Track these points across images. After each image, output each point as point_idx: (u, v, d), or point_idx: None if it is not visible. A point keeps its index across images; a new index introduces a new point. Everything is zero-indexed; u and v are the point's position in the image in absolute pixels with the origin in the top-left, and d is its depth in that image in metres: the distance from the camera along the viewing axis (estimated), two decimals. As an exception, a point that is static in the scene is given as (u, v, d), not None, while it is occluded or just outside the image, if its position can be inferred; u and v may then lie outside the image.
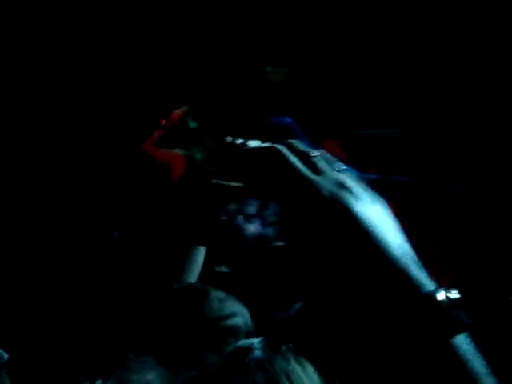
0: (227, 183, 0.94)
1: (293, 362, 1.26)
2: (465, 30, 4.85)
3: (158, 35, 5.23)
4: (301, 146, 0.94)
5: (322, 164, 0.90)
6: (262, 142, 1.98)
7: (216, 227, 0.94)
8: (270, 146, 0.92)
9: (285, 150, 0.93)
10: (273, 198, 0.88)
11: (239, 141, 1.89)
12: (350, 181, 0.88)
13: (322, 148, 0.90)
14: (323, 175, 0.88)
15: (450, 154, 4.85)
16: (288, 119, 4.06)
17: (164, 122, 4.91)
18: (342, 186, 0.86)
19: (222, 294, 1.57)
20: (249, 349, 1.32)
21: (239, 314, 1.53)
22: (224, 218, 0.92)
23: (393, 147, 5.11)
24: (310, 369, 1.28)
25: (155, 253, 4.48)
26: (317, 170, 0.88)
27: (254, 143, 0.93)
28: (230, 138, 1.90)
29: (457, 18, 4.83)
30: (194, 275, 1.81)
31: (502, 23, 4.63)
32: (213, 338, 1.48)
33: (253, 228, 0.88)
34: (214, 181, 0.96)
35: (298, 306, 1.90)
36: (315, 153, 0.92)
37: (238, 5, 5.12)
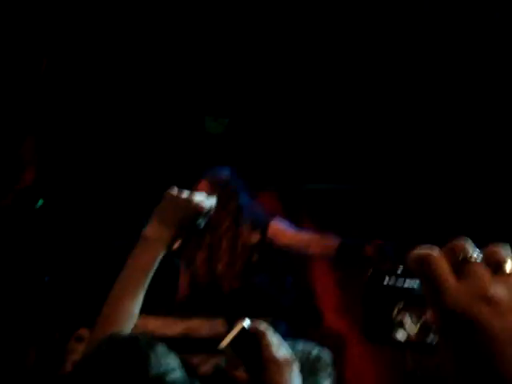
0: (402, 285, 0.92)
1: None
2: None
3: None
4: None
5: None
6: (207, 195, 1.96)
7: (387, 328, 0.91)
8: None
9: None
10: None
11: (184, 193, 1.86)
12: None
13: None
14: None
15: (386, 214, 4.90)
16: (227, 170, 4.08)
17: None
18: None
19: (165, 348, 1.55)
20: None
21: (179, 368, 1.52)
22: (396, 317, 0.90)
23: (330, 203, 5.14)
24: None
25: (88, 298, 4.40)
26: None
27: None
28: (175, 190, 1.89)
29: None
30: (130, 326, 1.77)
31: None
32: None
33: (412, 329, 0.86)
34: (386, 282, 0.93)
35: None
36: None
37: (178, 52, 5.13)
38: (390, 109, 5.01)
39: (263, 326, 1.44)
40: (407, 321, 0.89)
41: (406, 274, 0.91)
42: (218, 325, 3.49)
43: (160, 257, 1.82)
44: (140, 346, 1.50)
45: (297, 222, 4.23)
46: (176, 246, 3.76)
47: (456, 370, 0.77)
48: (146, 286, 1.78)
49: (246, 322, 1.45)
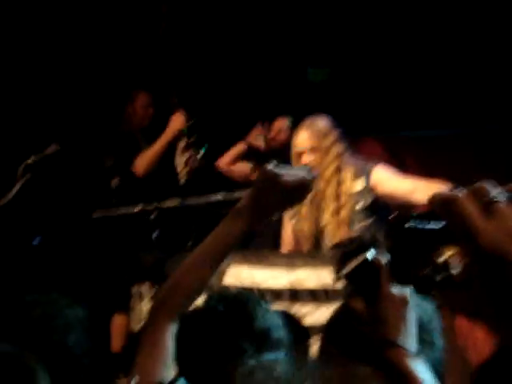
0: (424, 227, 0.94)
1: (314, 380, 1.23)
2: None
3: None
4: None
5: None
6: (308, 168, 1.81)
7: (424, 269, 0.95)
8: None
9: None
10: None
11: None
12: None
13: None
14: None
15: (491, 160, 4.76)
16: (327, 118, 4.01)
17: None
18: None
19: (268, 306, 1.54)
20: (275, 362, 1.27)
21: (282, 327, 1.51)
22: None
23: (435, 148, 5.03)
24: None
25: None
26: None
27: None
28: (274, 166, 1.74)
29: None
30: (198, 295, 1.70)
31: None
32: (260, 347, 1.45)
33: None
34: (409, 225, 0.96)
35: None
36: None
37: (279, 5, 5.10)
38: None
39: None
40: (446, 262, 0.92)
41: (430, 217, 0.93)
42: (324, 275, 3.47)
43: (247, 233, 1.68)
44: (247, 302, 1.50)
45: (402, 168, 4.12)
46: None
47: (487, 302, 0.83)
48: (224, 258, 1.62)
49: (370, 253, 1.39)
